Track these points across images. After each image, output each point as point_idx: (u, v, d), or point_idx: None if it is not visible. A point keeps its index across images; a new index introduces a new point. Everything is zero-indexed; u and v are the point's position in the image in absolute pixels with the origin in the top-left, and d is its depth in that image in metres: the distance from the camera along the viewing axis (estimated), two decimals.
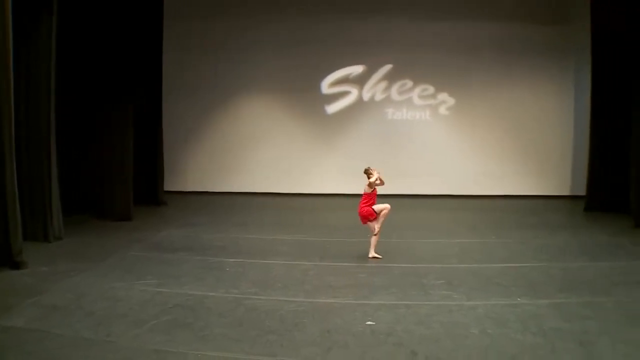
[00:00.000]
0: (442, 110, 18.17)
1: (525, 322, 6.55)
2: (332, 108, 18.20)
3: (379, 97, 18.13)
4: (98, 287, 7.86)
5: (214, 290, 7.73)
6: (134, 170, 13.70)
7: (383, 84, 18.08)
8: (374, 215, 9.61)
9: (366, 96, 18.14)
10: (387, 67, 18.03)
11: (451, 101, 18.14)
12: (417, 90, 18.10)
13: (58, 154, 11.13)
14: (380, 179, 9.67)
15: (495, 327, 6.43)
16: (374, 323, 6.51)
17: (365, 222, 9.76)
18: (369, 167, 9.81)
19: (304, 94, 18.00)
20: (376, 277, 8.55)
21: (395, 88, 18.07)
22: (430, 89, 18.11)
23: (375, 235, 9.66)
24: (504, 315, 6.80)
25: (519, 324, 6.52)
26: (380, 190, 9.80)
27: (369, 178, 9.64)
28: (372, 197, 9.67)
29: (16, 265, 8.66)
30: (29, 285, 7.89)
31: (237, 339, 6.07)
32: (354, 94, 18.16)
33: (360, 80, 18.13)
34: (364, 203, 9.66)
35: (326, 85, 18.15)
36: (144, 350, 5.75)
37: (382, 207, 9.65)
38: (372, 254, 9.64)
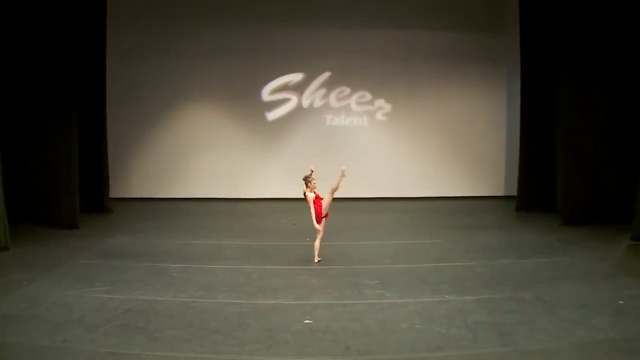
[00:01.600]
0: (379, 116, 18.39)
1: (451, 317, 7.18)
2: (272, 115, 18.33)
3: (317, 103, 18.29)
4: (50, 295, 8.06)
5: (163, 295, 8.11)
6: (79, 177, 13.56)
7: (322, 91, 18.24)
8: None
9: (305, 103, 18.32)
10: (326, 75, 18.16)
11: (388, 107, 18.28)
12: (355, 96, 18.31)
13: (1, 162, 11.13)
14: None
15: (424, 322, 7.05)
16: (312, 321, 7.07)
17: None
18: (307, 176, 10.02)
19: (244, 100, 18.12)
20: (315, 278, 9.06)
21: (333, 95, 18.27)
22: (368, 96, 18.32)
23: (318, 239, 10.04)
24: (432, 311, 7.41)
25: (446, 319, 7.14)
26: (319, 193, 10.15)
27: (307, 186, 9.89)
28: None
29: None
30: None
31: (186, 339, 6.54)
32: (293, 101, 18.30)
33: (299, 88, 18.24)
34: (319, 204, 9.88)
35: (266, 93, 18.31)
36: (100, 354, 6.11)
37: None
38: (317, 258, 10.00)
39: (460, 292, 8.23)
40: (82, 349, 6.24)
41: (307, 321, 7.10)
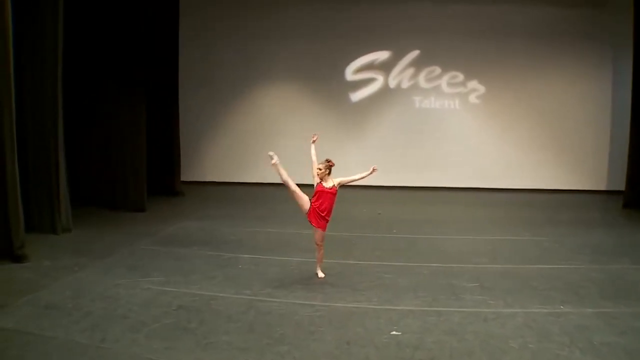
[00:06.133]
0: (472, 98, 17.51)
1: (571, 335, 5.86)
2: (356, 96, 17.62)
3: (405, 84, 17.51)
4: (100, 284, 7.41)
5: (224, 291, 7.20)
6: (150, 160, 13.40)
7: (410, 71, 17.44)
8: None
9: (392, 83, 17.54)
10: (415, 53, 17.39)
11: (482, 89, 17.49)
12: (446, 77, 17.47)
13: (70, 143, 10.94)
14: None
15: (538, 340, 5.74)
16: (399, 333, 5.87)
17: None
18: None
19: (327, 81, 17.50)
20: (403, 278, 7.94)
21: (422, 75, 17.46)
22: (460, 77, 17.44)
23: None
24: (547, 326, 6.11)
25: (565, 336, 5.82)
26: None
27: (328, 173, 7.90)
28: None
29: (17, 258, 8.37)
30: (27, 280, 7.55)
31: (244, 347, 5.47)
32: (379, 81, 17.53)
33: (386, 67, 17.49)
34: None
35: (350, 72, 17.63)
36: (139, 359, 5.23)
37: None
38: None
39: (576, 303, 6.91)
40: (120, 352, 5.38)
41: (394, 332, 5.88)
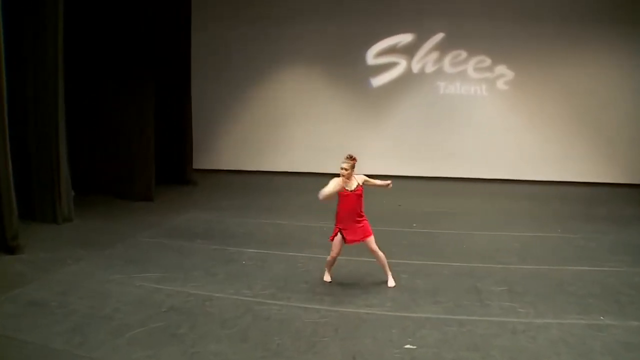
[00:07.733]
0: (500, 84, 16.73)
1: (616, 355, 5.11)
2: (377, 80, 16.96)
3: (429, 69, 16.80)
4: (92, 279, 6.96)
5: (222, 290, 6.61)
6: (161, 149, 13.04)
7: (434, 55, 16.70)
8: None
9: (416, 68, 16.79)
10: (439, 36, 16.64)
11: (510, 75, 16.71)
12: (473, 62, 16.64)
13: (78, 133, 10.92)
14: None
15: (577, 358, 5.01)
16: (414, 347, 5.19)
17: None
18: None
19: (346, 65, 16.84)
20: (421, 279, 7.24)
21: (448, 59, 16.66)
22: (487, 61, 16.64)
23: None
24: (587, 342, 5.38)
25: (608, 356, 5.08)
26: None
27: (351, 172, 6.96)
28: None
29: (10, 250, 8.00)
30: (17, 273, 7.15)
31: None
32: (402, 65, 16.82)
33: (409, 50, 16.77)
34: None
35: (371, 56, 16.96)
36: None
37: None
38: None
39: (619, 313, 6.13)
40: None
41: (408, 346, 5.20)
